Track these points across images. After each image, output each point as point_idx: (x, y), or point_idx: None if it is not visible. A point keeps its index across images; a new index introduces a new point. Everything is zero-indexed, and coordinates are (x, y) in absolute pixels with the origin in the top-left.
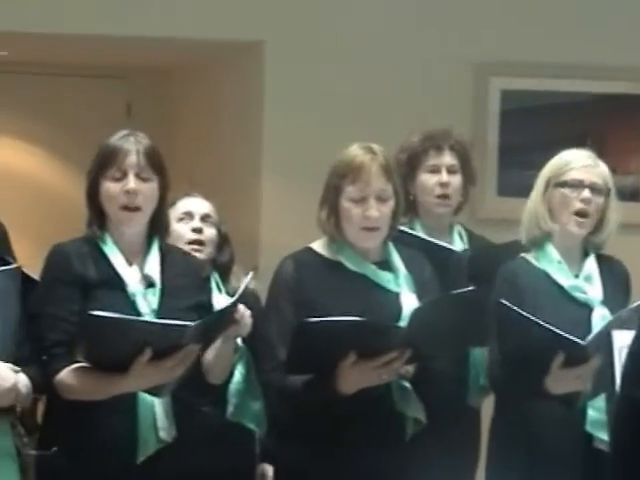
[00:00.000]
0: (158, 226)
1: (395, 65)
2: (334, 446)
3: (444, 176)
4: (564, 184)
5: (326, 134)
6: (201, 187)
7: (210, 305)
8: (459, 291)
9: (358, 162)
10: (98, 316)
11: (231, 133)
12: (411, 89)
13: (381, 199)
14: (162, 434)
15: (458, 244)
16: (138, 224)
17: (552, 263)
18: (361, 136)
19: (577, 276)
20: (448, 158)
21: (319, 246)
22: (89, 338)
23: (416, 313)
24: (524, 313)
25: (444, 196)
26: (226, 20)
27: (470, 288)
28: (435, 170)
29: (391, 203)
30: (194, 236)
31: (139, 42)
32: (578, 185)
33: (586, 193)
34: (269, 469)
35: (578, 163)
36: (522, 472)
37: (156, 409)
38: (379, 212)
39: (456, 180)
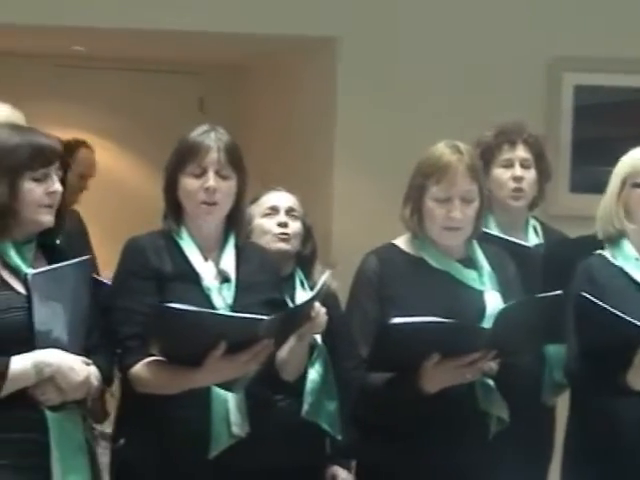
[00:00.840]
0: (235, 222)
1: (468, 61)
2: (417, 444)
3: (517, 170)
4: None
5: (398, 131)
6: (273, 183)
7: (284, 302)
8: (545, 295)
9: (444, 162)
10: (173, 308)
11: (304, 128)
12: (484, 85)
13: (466, 200)
14: (235, 429)
15: (533, 239)
16: (215, 219)
17: (629, 260)
18: (433, 133)
19: None
20: (522, 152)
21: (402, 242)
22: (163, 331)
23: (501, 314)
24: (606, 306)
25: (518, 190)
26: (300, 16)
27: (556, 292)
28: (509, 164)
29: (476, 204)
30: (280, 230)
31: (213, 37)
32: None
33: None
34: (339, 470)
35: None
36: (600, 473)
37: (229, 404)
38: (463, 214)
39: (530, 174)
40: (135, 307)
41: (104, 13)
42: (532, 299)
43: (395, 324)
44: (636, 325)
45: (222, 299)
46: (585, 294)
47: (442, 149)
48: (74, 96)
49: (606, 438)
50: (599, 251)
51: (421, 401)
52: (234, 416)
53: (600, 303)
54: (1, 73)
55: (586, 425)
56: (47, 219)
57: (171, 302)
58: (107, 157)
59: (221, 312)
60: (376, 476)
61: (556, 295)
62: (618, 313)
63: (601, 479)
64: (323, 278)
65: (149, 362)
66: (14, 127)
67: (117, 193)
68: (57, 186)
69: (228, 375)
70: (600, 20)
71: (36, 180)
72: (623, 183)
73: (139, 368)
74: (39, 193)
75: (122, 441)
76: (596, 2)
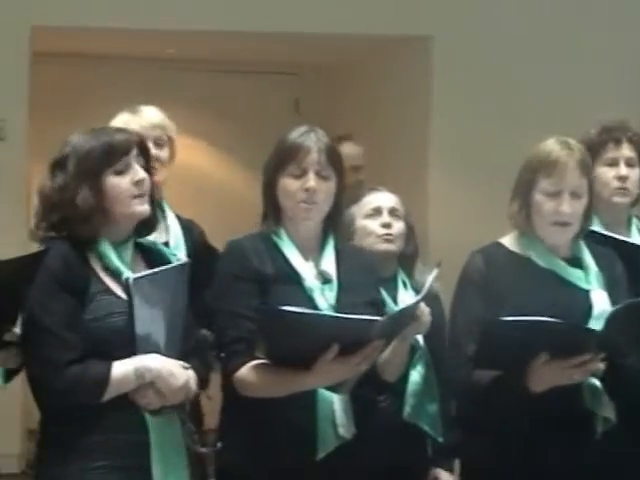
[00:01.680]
0: (333, 223)
1: (565, 59)
2: (523, 443)
3: (623, 169)
4: None
5: (493, 130)
6: (368, 184)
7: (384, 303)
8: None
9: (555, 156)
10: (285, 311)
11: (398, 128)
12: (581, 82)
13: (575, 195)
14: (341, 431)
15: (637, 237)
16: (314, 219)
17: None
18: (529, 132)
19: None
20: (627, 151)
21: (508, 241)
22: (274, 334)
23: (612, 317)
24: None
25: (622, 189)
26: (394, 15)
27: None
28: (613, 163)
29: (584, 200)
30: (384, 231)
31: (308, 38)
32: None
33: None
34: (440, 472)
35: None
36: None
37: (335, 406)
38: (572, 208)
39: (635, 173)
40: (239, 310)
41: (196, 15)
42: None
43: (502, 321)
44: None
45: (325, 300)
46: None
47: (552, 145)
48: (172, 98)
49: None
50: None
51: (527, 400)
52: (340, 418)
53: None
54: (96, 75)
55: None
56: (142, 208)
57: (276, 305)
58: (204, 158)
59: (335, 314)
60: (482, 476)
61: None
62: None
63: None
64: (430, 279)
65: (255, 365)
66: (89, 131)
67: (214, 193)
68: (142, 174)
69: (339, 377)
70: None
71: (118, 173)
72: None
73: (245, 372)
74: (126, 184)
75: (220, 445)
76: None
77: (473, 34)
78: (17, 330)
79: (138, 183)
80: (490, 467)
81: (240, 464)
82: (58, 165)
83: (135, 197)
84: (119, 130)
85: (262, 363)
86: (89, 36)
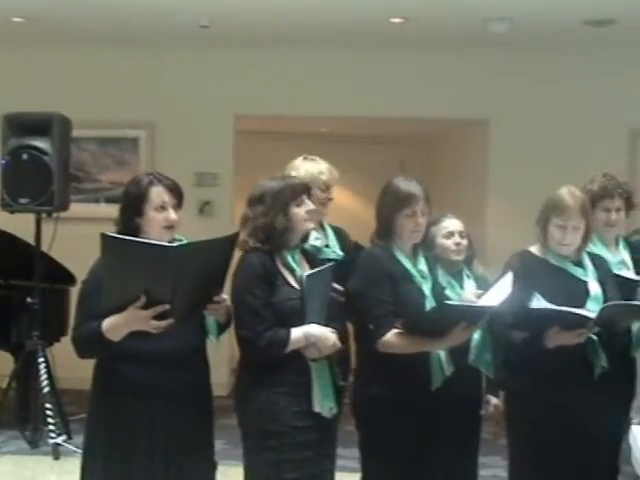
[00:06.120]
0: (423, 240)
1: (572, 133)
2: (544, 380)
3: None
4: None
5: (531, 179)
6: (447, 211)
7: (444, 288)
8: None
9: (565, 203)
10: (451, 305)
11: (466, 177)
12: (577, 149)
13: (576, 228)
14: (446, 372)
15: (622, 251)
16: (417, 240)
17: None
18: (554, 183)
19: None
20: (617, 203)
21: (534, 249)
22: (415, 321)
23: (603, 308)
24: None
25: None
26: (462, 103)
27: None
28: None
29: (581, 231)
30: (456, 248)
31: (409, 121)
32: None
33: None
34: (491, 398)
35: None
36: None
37: (441, 356)
38: (573, 237)
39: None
40: (381, 296)
41: (343, 106)
42: (626, 303)
43: (532, 309)
44: None
45: (427, 289)
46: None
47: (564, 194)
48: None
49: None
50: None
51: (546, 353)
52: (445, 363)
53: None
54: (273, 145)
55: None
56: (311, 226)
57: (402, 295)
58: (345, 197)
59: (460, 303)
60: (518, 401)
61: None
62: None
63: None
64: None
65: (396, 333)
66: (274, 177)
67: (353, 220)
68: (312, 207)
69: (457, 342)
70: None
71: (298, 206)
72: None
73: (388, 337)
74: (302, 213)
75: (351, 379)
76: None
77: (519, 118)
78: (224, 296)
79: (310, 212)
80: (526, 394)
81: (381, 393)
82: (257, 200)
83: (307, 220)
84: (293, 177)
85: (400, 332)
86: (270, 120)
